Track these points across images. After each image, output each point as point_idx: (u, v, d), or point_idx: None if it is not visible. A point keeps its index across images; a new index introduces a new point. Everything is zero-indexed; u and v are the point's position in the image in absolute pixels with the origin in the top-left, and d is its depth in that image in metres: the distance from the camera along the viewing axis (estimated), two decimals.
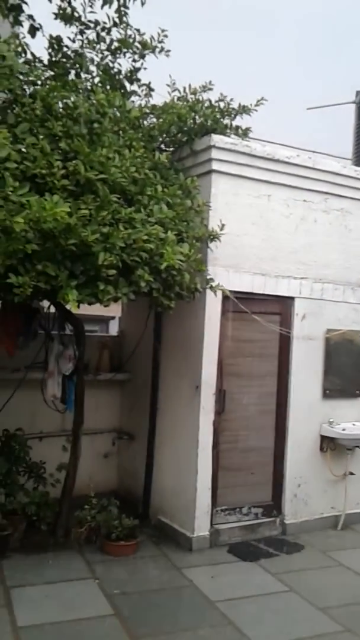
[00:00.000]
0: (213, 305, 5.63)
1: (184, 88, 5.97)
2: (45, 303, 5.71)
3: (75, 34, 5.75)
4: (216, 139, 5.61)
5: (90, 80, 5.79)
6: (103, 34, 5.79)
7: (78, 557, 5.28)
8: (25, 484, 5.71)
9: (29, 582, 4.77)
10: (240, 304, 5.68)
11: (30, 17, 5.50)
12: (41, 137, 4.45)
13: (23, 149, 4.29)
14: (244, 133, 6.02)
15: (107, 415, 6.93)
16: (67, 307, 4.76)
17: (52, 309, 5.75)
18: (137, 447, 6.64)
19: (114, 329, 10.85)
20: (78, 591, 4.70)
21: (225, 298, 5.62)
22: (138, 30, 5.81)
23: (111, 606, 4.45)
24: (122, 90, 5.84)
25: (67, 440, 5.85)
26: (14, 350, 5.69)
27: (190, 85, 5.96)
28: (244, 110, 5.99)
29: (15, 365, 5.98)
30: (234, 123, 5.99)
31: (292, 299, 6.18)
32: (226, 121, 5.95)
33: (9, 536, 5.25)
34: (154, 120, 5.85)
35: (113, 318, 10.89)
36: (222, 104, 5.93)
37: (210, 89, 5.99)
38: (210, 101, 5.91)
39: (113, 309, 7.50)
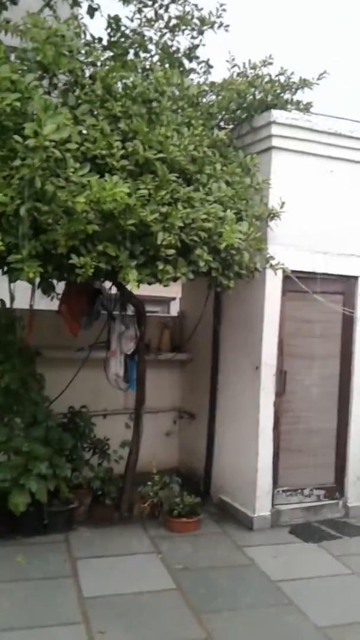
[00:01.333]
0: (273, 285, 5.55)
1: (244, 63, 5.86)
2: (108, 284, 5.81)
3: (134, 13, 5.74)
4: (276, 114, 5.48)
5: (149, 59, 5.78)
6: (161, 11, 5.76)
7: (141, 531, 5.41)
8: (90, 459, 5.87)
9: (94, 554, 4.93)
10: (301, 283, 5.57)
11: None
12: (101, 118, 4.49)
13: (84, 131, 4.33)
14: (306, 108, 5.85)
15: (168, 395, 7.01)
16: (128, 287, 4.82)
17: (114, 290, 5.84)
18: (198, 426, 6.68)
19: (174, 310, 10.91)
20: (141, 565, 4.81)
21: (285, 277, 5.53)
22: (196, 6, 5.74)
23: (174, 581, 4.53)
24: (181, 69, 5.79)
25: (129, 418, 5.97)
26: (78, 331, 5.82)
27: (249, 61, 5.85)
28: (305, 84, 5.81)
29: (79, 345, 6.13)
30: (295, 98, 5.84)
31: (355, 278, 6.01)
32: (287, 96, 5.80)
33: (75, 509, 5.43)
34: (213, 97, 5.78)
35: (174, 299, 10.95)
36: (282, 79, 5.78)
37: (270, 64, 5.85)
38: (270, 76, 5.76)
39: (174, 290, 7.55)
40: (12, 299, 5.54)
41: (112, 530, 5.41)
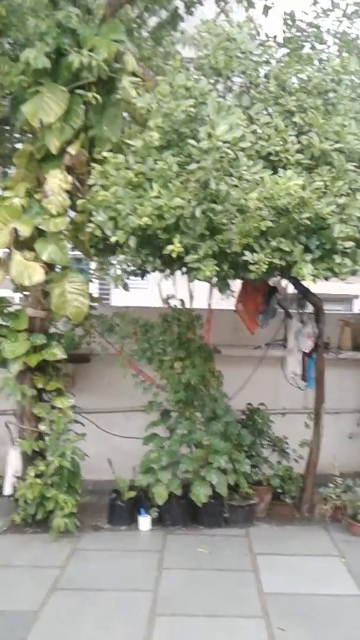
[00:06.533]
0: None
1: None
2: (286, 283, 5.76)
3: (311, 5, 5.64)
4: None
5: (326, 50, 5.63)
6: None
7: (323, 533, 5.27)
8: (269, 457, 5.87)
9: (274, 552, 4.92)
10: None
11: None
12: (275, 114, 4.49)
13: (258, 130, 4.37)
14: None
15: (351, 395, 6.73)
16: (305, 283, 4.74)
17: (292, 289, 5.78)
18: None
19: (358, 308, 10.48)
20: (323, 567, 4.69)
21: None
22: None
23: (358, 587, 4.35)
24: None
25: (309, 418, 5.85)
26: (255, 328, 5.87)
27: None
28: None
29: (256, 343, 6.18)
30: None
31: None
32: None
33: (255, 505, 5.47)
34: None
35: (357, 297, 10.52)
36: None
37: None
38: None
39: (357, 288, 7.26)
40: (191, 298, 5.78)
41: (292, 529, 5.35)
